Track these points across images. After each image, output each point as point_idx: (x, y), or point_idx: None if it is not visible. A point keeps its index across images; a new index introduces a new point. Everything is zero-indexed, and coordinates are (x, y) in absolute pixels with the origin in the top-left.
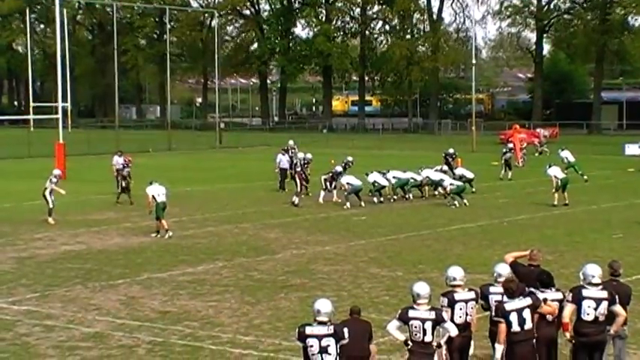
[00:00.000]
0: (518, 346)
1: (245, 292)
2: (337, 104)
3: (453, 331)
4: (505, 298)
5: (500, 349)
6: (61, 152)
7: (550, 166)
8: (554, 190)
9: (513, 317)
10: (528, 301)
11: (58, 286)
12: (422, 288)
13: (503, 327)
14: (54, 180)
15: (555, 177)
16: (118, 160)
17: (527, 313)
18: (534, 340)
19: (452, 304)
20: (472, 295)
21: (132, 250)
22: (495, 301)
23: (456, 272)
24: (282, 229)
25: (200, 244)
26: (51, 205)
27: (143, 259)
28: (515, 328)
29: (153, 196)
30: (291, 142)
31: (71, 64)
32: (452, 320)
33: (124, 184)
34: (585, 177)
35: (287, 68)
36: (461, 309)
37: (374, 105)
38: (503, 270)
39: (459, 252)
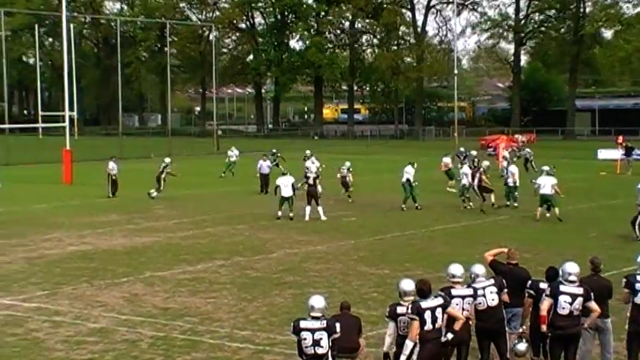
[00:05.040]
0: (430, 344)
1: (242, 290)
2: (328, 112)
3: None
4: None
5: (410, 345)
6: (68, 158)
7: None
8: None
9: (427, 315)
10: (440, 301)
11: (65, 284)
12: (408, 285)
13: (416, 324)
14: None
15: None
16: (113, 166)
17: (439, 312)
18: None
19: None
20: (469, 291)
21: (135, 250)
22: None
23: (455, 269)
24: (277, 230)
25: (199, 244)
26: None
27: (146, 259)
28: (429, 326)
29: None
30: (307, 152)
31: (77, 76)
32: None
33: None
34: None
35: (281, 79)
36: (457, 304)
37: (362, 113)
38: (480, 270)
39: (442, 250)
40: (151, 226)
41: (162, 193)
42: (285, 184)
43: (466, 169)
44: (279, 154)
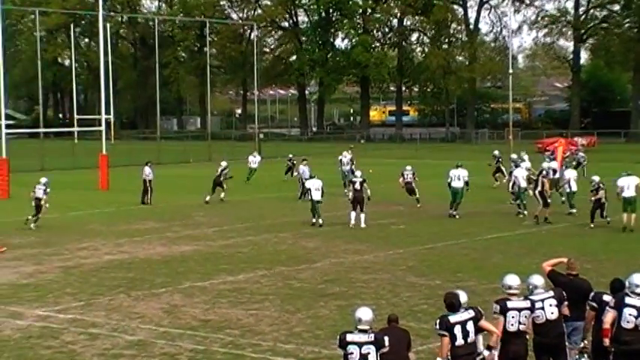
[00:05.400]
0: None
1: (285, 301)
2: (375, 114)
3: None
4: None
5: None
6: (105, 163)
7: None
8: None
9: (457, 330)
10: (471, 313)
11: (102, 295)
12: (513, 280)
13: (446, 341)
14: (47, 190)
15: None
16: (148, 171)
17: (470, 326)
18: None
19: (504, 311)
20: (526, 303)
21: (174, 259)
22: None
23: (511, 280)
24: (321, 239)
25: (240, 253)
26: (40, 215)
27: (185, 268)
28: (460, 341)
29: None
30: (347, 155)
31: (114, 77)
32: (504, 328)
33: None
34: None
35: (325, 79)
36: (513, 317)
37: (411, 115)
38: (539, 281)
39: (496, 260)
40: (190, 234)
41: (225, 196)
42: (317, 188)
43: (520, 171)
44: (294, 161)
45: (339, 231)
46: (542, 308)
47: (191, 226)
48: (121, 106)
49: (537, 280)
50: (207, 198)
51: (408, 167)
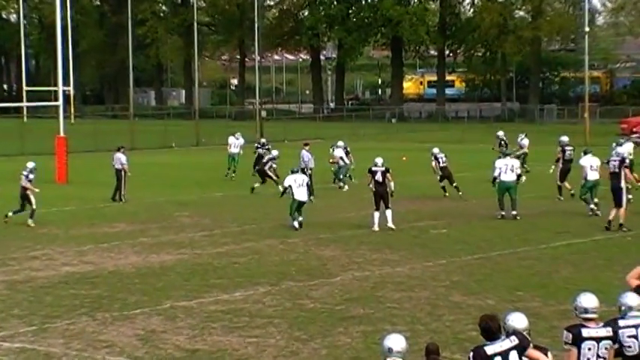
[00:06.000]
0: None
1: (294, 326)
2: (410, 86)
3: None
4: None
5: None
6: (62, 148)
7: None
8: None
9: None
10: (514, 341)
11: (59, 318)
12: (521, 321)
13: None
14: (30, 176)
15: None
16: (120, 158)
17: (514, 357)
18: None
19: (577, 341)
20: (607, 331)
21: (151, 271)
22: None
23: (588, 301)
24: (341, 246)
25: (237, 264)
26: (34, 206)
27: (165, 283)
28: None
29: None
30: (340, 143)
31: (74, 38)
32: None
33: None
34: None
35: (346, 41)
36: (590, 349)
37: (457, 87)
38: (634, 301)
39: (566, 274)
40: (173, 240)
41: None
42: (300, 184)
43: (589, 160)
44: (267, 146)
45: (363, 235)
46: (636, 337)
47: (173, 230)
48: (83, 74)
49: (633, 299)
50: (256, 185)
51: (435, 149)
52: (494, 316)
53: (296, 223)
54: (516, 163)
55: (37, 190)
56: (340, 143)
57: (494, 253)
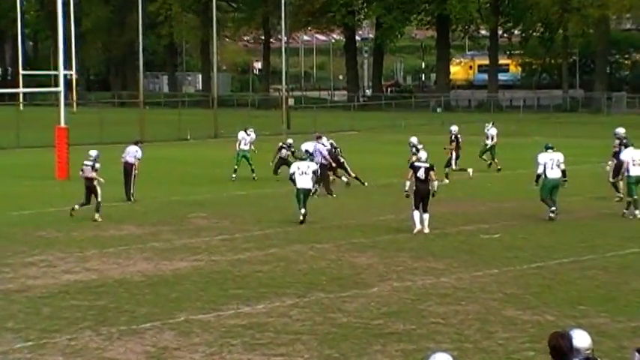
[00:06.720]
0: None
1: (325, 343)
2: (458, 71)
3: None
4: None
5: None
6: (63, 140)
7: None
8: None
9: None
10: None
11: (58, 332)
12: (584, 339)
13: None
14: (96, 165)
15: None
16: (135, 152)
17: None
18: None
19: None
20: None
21: (163, 280)
22: None
23: None
24: (378, 252)
25: (260, 273)
26: (99, 199)
27: (179, 294)
28: None
29: None
30: (414, 139)
31: (77, 16)
32: None
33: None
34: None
35: (385, 19)
36: None
37: (512, 71)
38: None
39: (638, 286)
40: (187, 245)
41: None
42: (304, 171)
43: (631, 153)
44: (293, 149)
45: (404, 241)
46: None
47: (188, 233)
48: (87, 57)
49: None
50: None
51: (454, 127)
52: (565, 334)
53: (300, 216)
54: (561, 157)
55: (103, 180)
56: (413, 139)
57: (554, 261)
